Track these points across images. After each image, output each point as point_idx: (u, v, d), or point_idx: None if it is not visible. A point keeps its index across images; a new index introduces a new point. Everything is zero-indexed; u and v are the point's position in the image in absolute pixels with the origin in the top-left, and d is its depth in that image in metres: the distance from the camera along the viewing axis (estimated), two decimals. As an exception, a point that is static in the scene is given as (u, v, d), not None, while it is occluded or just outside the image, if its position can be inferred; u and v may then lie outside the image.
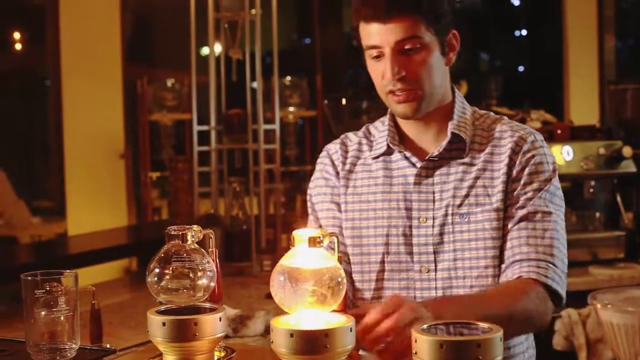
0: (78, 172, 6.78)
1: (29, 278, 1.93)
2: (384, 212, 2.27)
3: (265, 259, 4.49)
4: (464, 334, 1.49)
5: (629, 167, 4.25)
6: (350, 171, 2.36)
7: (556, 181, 2.26)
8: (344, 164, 2.37)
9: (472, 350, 1.40)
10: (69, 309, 1.93)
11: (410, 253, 2.23)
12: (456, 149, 2.26)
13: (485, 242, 2.19)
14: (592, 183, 4.36)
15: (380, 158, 2.34)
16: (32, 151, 8.30)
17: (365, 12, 2.17)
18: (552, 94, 7.97)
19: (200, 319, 1.66)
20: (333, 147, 2.43)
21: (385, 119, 2.36)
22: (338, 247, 1.73)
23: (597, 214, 4.42)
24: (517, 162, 2.22)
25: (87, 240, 5.27)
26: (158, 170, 6.73)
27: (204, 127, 4.78)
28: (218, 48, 4.87)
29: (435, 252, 2.22)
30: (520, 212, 2.19)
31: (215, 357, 1.74)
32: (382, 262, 2.24)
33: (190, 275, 1.74)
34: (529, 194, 2.20)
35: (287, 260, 1.62)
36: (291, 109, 6.04)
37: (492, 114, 2.37)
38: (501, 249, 2.20)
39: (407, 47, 2.15)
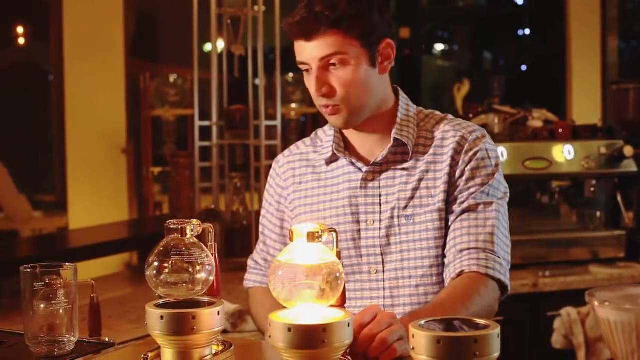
0: (80, 167, 6.78)
1: (28, 270, 1.94)
2: (332, 219, 2.31)
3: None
4: (461, 329, 1.49)
5: (630, 166, 4.25)
6: (300, 182, 2.41)
7: (499, 175, 2.28)
8: (293, 176, 2.42)
9: (469, 345, 1.41)
10: (68, 301, 1.94)
11: (360, 256, 2.28)
12: (401, 153, 2.30)
13: (429, 242, 2.24)
14: (593, 182, 4.37)
15: (328, 164, 2.37)
16: (35, 145, 8.31)
17: (291, 30, 2.22)
18: (554, 94, 7.97)
19: (198, 312, 1.66)
20: (282, 160, 2.49)
21: (330, 128, 2.40)
22: (337, 242, 1.73)
23: (598, 213, 4.42)
24: (460, 161, 2.25)
25: (88, 234, 5.27)
26: (160, 165, 6.74)
27: (206, 123, 4.78)
28: (220, 44, 4.86)
29: (382, 254, 2.26)
30: (463, 205, 2.23)
31: (213, 351, 1.74)
32: None
33: (189, 269, 1.74)
34: (472, 189, 2.24)
35: (286, 256, 1.62)
36: (293, 105, 6.04)
37: (437, 113, 2.38)
38: (444, 246, 2.24)
39: (332, 62, 2.18)
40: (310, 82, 2.23)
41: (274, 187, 2.47)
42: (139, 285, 4.57)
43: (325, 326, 1.53)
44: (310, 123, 6.68)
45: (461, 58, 10.48)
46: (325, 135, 2.42)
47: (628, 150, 4.21)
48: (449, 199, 2.24)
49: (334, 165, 2.37)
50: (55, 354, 1.93)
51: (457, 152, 2.25)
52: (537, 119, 4.52)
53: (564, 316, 3.87)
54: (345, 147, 2.36)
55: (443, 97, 9.64)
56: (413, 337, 1.44)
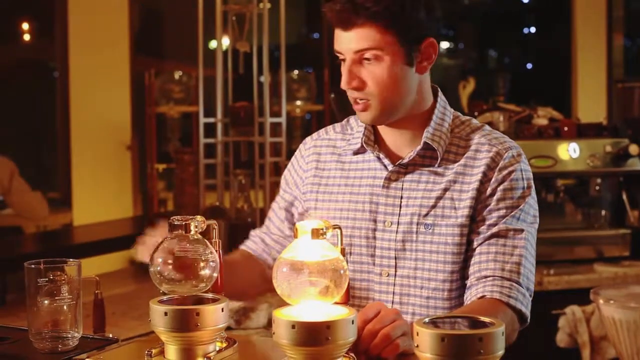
0: (84, 163, 6.79)
1: (33, 266, 1.93)
2: (349, 212, 2.24)
3: (270, 252, 4.48)
4: (465, 328, 1.49)
5: (635, 165, 4.24)
6: (323, 168, 2.33)
7: (531, 199, 2.18)
8: (317, 161, 2.35)
9: (473, 343, 1.40)
10: (72, 297, 1.93)
11: (372, 255, 2.20)
12: (429, 157, 2.20)
13: (446, 256, 2.15)
14: (598, 181, 4.36)
15: (355, 155, 2.30)
16: (39, 142, 8.32)
17: (330, 17, 2.13)
18: (559, 92, 7.96)
19: (202, 309, 1.66)
20: (309, 142, 2.41)
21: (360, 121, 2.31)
22: (342, 239, 1.73)
23: (603, 212, 4.41)
24: (493, 179, 2.14)
25: (92, 231, 5.28)
26: (164, 162, 6.74)
27: (211, 120, 4.78)
28: (226, 41, 4.87)
29: (396, 258, 2.19)
30: (492, 229, 2.14)
31: (217, 348, 1.73)
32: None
33: (193, 265, 1.74)
34: (502, 212, 2.14)
35: (290, 253, 1.62)
36: (298, 102, 6.04)
37: (474, 121, 2.28)
38: (462, 264, 2.16)
39: (366, 56, 2.11)
40: (342, 72, 2.15)
41: (296, 169, 2.40)
42: (143, 282, 4.58)
43: (329, 323, 1.53)
44: (315, 120, 6.68)
45: (466, 56, 10.48)
46: (357, 125, 2.32)
47: (633, 149, 4.20)
48: (475, 217, 2.16)
49: (359, 157, 2.28)
50: (59, 349, 1.92)
51: (490, 168, 2.15)
52: (542, 117, 4.51)
53: (568, 315, 3.86)
54: (375, 141, 2.27)
55: (448, 96, 9.62)
56: (417, 334, 1.44)
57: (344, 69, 2.13)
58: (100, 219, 5.83)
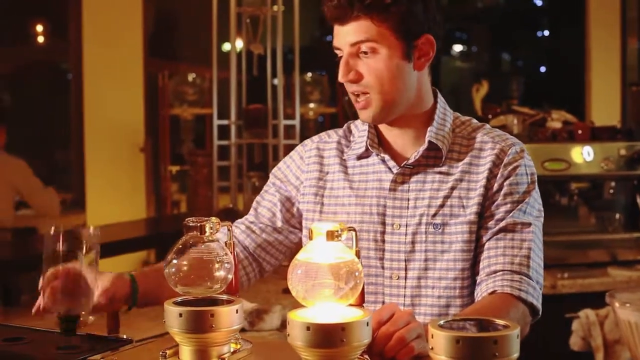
0: (98, 165, 6.81)
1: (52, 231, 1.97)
2: (356, 215, 2.24)
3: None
4: (480, 330, 1.49)
5: (649, 168, 4.24)
6: (327, 172, 2.33)
7: (535, 192, 2.21)
8: (320, 164, 2.34)
9: (488, 346, 1.40)
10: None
11: (381, 259, 2.20)
12: (433, 157, 2.22)
13: (456, 254, 2.16)
14: (612, 184, 4.35)
15: (358, 159, 2.30)
16: (53, 143, 8.33)
17: (328, 13, 2.15)
18: (573, 95, 7.95)
19: (217, 310, 1.66)
20: (309, 144, 2.41)
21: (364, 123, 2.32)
22: (357, 241, 1.73)
23: (617, 215, 4.40)
24: (499, 175, 2.16)
25: (105, 232, 5.27)
26: (177, 164, 6.76)
27: (224, 122, 4.79)
28: (239, 44, 4.88)
29: (406, 260, 2.19)
30: (500, 224, 2.15)
31: (231, 349, 1.74)
32: None
33: (208, 267, 1.74)
34: (509, 206, 2.16)
35: (305, 254, 1.62)
36: (311, 105, 6.05)
37: (474, 121, 2.30)
38: (472, 261, 2.17)
39: (362, 49, 2.12)
40: (340, 66, 2.17)
41: (292, 169, 2.39)
42: (157, 284, 4.57)
43: (344, 325, 1.53)
44: (328, 123, 6.68)
45: (479, 59, 10.47)
46: (358, 130, 2.33)
47: (647, 152, 4.20)
48: (484, 213, 2.17)
49: (364, 161, 2.29)
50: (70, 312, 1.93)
51: (495, 165, 2.17)
52: (556, 120, 4.51)
53: (582, 318, 3.86)
54: (379, 143, 2.28)
55: (461, 99, 9.63)
56: (432, 337, 1.44)
57: (341, 63, 2.14)
58: (113, 221, 5.84)
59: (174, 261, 1.73)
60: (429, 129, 2.21)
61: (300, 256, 1.61)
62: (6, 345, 1.99)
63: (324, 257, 1.59)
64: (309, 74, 6.09)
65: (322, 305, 1.58)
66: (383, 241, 2.21)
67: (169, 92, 6.61)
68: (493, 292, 2.09)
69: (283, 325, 3.24)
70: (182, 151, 6.59)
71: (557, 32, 9.71)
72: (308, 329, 1.52)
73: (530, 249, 2.14)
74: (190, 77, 6.64)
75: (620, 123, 4.56)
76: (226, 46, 5.74)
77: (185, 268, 1.73)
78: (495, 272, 2.12)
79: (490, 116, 4.54)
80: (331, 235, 1.60)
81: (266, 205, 2.39)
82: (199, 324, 1.65)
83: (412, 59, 2.15)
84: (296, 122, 4.87)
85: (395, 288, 2.20)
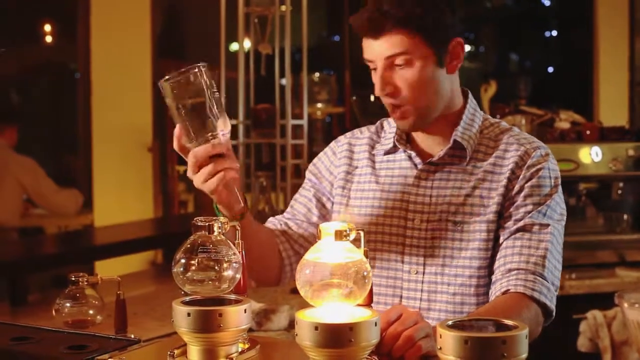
0: (106, 165, 6.81)
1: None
2: (380, 209, 2.28)
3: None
4: (489, 330, 1.49)
5: (658, 169, 4.23)
6: (356, 167, 2.38)
7: (558, 197, 2.22)
8: (350, 158, 2.39)
9: (497, 346, 1.40)
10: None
11: (401, 253, 2.23)
12: (459, 156, 2.25)
13: (473, 252, 2.18)
14: (621, 185, 4.34)
15: (386, 155, 2.35)
16: (61, 143, 8.34)
17: (359, 27, 2.19)
18: (581, 95, 7.93)
19: (225, 310, 1.66)
20: (342, 140, 2.45)
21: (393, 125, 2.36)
22: (365, 241, 1.72)
23: (625, 216, 4.39)
24: (521, 176, 2.18)
25: (113, 232, 5.29)
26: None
27: (232, 122, 4.78)
28: (247, 44, 4.87)
29: (424, 255, 2.21)
30: (518, 224, 2.16)
31: (239, 349, 1.73)
32: (373, 258, 2.24)
33: (216, 266, 1.74)
34: (529, 207, 2.16)
35: (313, 254, 1.62)
36: (319, 105, 6.04)
37: (503, 123, 2.33)
38: (490, 260, 2.18)
39: (397, 62, 2.16)
40: (375, 80, 2.21)
41: (326, 165, 2.44)
42: (164, 283, 4.58)
43: (352, 325, 1.53)
44: (335, 123, 6.68)
45: (487, 59, 10.45)
46: (389, 127, 2.38)
47: (656, 153, 4.19)
48: (503, 214, 2.18)
49: (390, 157, 2.34)
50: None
51: (518, 167, 2.19)
52: (564, 120, 4.50)
53: (590, 319, 3.85)
54: (407, 140, 2.32)
55: (469, 98, 9.61)
56: (441, 337, 1.44)
57: (377, 77, 2.18)
58: (121, 220, 5.85)
59: (182, 260, 1.73)
60: (456, 128, 2.24)
61: (308, 256, 1.61)
62: (14, 344, 1.99)
63: (332, 257, 1.60)
64: (317, 74, 6.09)
65: (330, 305, 1.58)
66: (404, 236, 2.24)
67: (176, 92, 6.60)
68: (506, 292, 2.10)
69: (291, 325, 3.24)
70: (190, 151, 6.59)
71: (565, 33, 9.69)
72: (316, 328, 1.52)
73: (547, 250, 2.14)
74: (198, 77, 6.64)
75: (628, 123, 4.55)
76: (233, 46, 5.73)
77: (193, 267, 1.73)
78: (510, 270, 2.12)
79: (498, 116, 4.53)
80: (339, 235, 1.60)
81: (302, 201, 2.43)
82: (207, 323, 1.65)
83: (444, 64, 2.20)
84: (304, 122, 4.87)
85: (413, 282, 2.23)
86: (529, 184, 2.18)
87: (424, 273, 2.22)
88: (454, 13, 2.20)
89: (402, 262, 2.23)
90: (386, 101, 2.21)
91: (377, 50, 2.17)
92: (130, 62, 6.88)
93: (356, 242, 1.66)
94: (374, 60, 2.19)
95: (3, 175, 5.96)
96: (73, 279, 2.27)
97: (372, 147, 2.38)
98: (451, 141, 2.23)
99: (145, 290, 4.39)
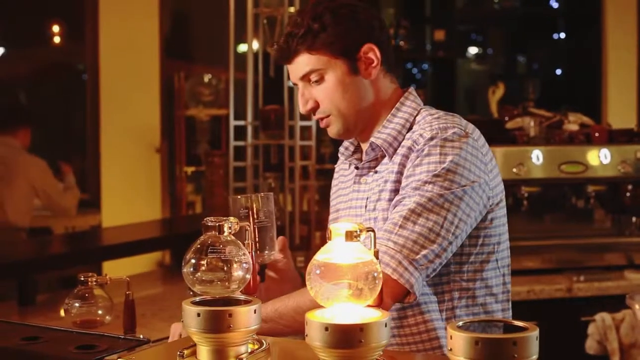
0: (114, 165, 6.82)
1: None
2: (339, 220, 2.33)
3: (298, 256, 4.48)
4: (500, 331, 1.48)
5: (667, 171, 4.22)
6: (337, 185, 2.52)
7: (446, 171, 2.12)
8: (336, 178, 2.55)
9: (508, 348, 1.40)
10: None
11: None
12: (381, 155, 2.30)
13: None
14: (629, 187, 4.33)
15: (349, 165, 2.46)
16: (69, 144, 8.35)
17: (275, 57, 2.36)
18: (589, 98, 7.92)
19: (235, 310, 1.65)
20: (335, 170, 2.61)
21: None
22: (375, 242, 1.72)
23: (634, 219, 4.38)
24: (410, 159, 2.19)
25: (120, 233, 5.29)
26: (193, 164, 6.76)
27: (241, 122, 4.79)
28: (255, 44, 4.88)
29: None
30: (392, 201, 2.18)
31: (249, 349, 1.73)
32: None
33: (226, 267, 1.74)
34: (411, 185, 2.14)
35: (324, 255, 1.61)
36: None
37: (440, 114, 2.27)
38: None
39: (312, 78, 2.25)
40: (298, 99, 2.33)
41: (332, 195, 2.58)
42: (172, 284, 4.59)
43: (363, 326, 1.52)
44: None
45: (495, 62, 10.44)
46: (342, 148, 2.49)
47: (665, 156, 4.18)
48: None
49: (351, 168, 2.43)
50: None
51: (410, 150, 2.20)
52: (573, 122, 4.49)
53: (598, 322, 3.84)
54: (355, 150, 2.43)
55: (477, 101, 9.62)
56: (451, 337, 1.43)
57: (298, 96, 2.30)
58: (128, 221, 5.85)
59: (192, 261, 1.73)
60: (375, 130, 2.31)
61: (319, 256, 1.61)
62: (23, 344, 1.99)
63: (342, 258, 1.59)
64: (325, 76, 6.08)
65: (340, 306, 1.58)
66: None
67: (184, 93, 6.61)
68: None
69: (299, 326, 3.24)
70: (198, 152, 6.60)
71: (574, 35, 9.67)
72: (326, 329, 1.52)
73: (401, 216, 2.10)
74: (206, 78, 6.65)
75: (637, 126, 4.53)
76: (241, 47, 5.74)
77: (203, 268, 1.73)
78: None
79: (507, 118, 4.53)
80: (350, 236, 1.60)
81: None
82: (217, 323, 1.65)
83: (359, 71, 2.25)
84: (312, 123, 4.87)
85: None
86: (407, 171, 2.17)
87: None
88: (358, 21, 2.24)
89: None
90: (312, 116, 2.32)
91: (292, 73, 2.29)
92: (139, 63, 6.88)
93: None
94: (294, 82, 2.31)
95: (16, 176, 5.99)
96: (82, 279, 2.28)
97: (344, 165, 2.51)
98: (369, 142, 2.29)
99: (153, 291, 4.39)
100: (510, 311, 2.34)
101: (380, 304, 1.68)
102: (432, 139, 2.15)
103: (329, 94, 2.25)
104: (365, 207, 2.28)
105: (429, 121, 2.22)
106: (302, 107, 2.30)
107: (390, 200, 2.20)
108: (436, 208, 2.09)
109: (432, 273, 2.11)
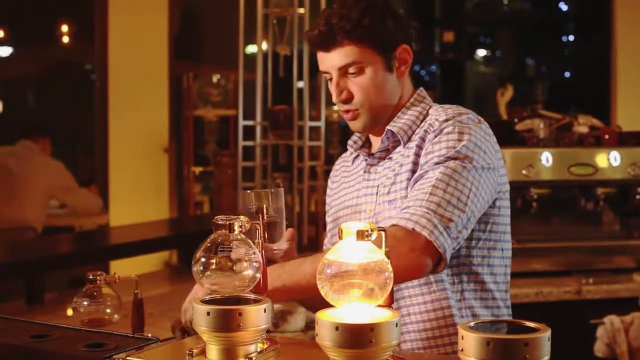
0: (122, 165, 6.82)
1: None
2: (344, 210, 2.46)
3: (306, 256, 4.48)
4: (511, 332, 1.48)
5: (676, 174, 4.20)
6: (339, 182, 2.57)
7: (464, 145, 2.20)
8: (336, 176, 2.61)
9: (519, 348, 1.39)
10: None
11: None
12: (393, 145, 2.38)
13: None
14: (639, 190, 4.31)
15: (352, 162, 2.54)
16: (78, 143, 8.36)
17: (311, 42, 2.36)
18: (597, 101, 7.91)
19: (244, 309, 1.65)
20: (333, 168, 2.67)
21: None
22: (386, 241, 1.71)
23: (643, 221, 4.37)
24: (427, 140, 2.28)
25: (128, 232, 5.29)
26: (201, 165, 6.77)
27: (250, 122, 4.79)
28: (264, 45, 4.88)
29: None
30: (414, 176, 2.24)
31: (258, 349, 1.73)
32: None
33: (236, 265, 1.73)
34: (429, 161, 2.22)
35: (335, 254, 1.61)
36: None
37: (452, 106, 2.38)
38: None
39: (350, 71, 2.31)
40: (331, 89, 2.37)
41: (328, 193, 2.65)
42: (179, 284, 4.58)
43: (373, 326, 1.52)
44: (351, 126, 6.67)
45: (503, 64, 10.43)
46: (351, 141, 2.54)
47: (675, 158, 4.16)
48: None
49: (356, 162, 2.52)
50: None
51: (426, 132, 2.30)
52: (582, 124, 4.48)
53: (607, 324, 3.83)
54: (364, 144, 2.49)
55: (486, 102, 9.60)
56: (462, 338, 1.43)
57: (333, 85, 2.36)
58: (136, 221, 5.84)
59: (203, 259, 1.73)
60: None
61: (330, 256, 1.60)
62: (33, 342, 1.99)
63: (353, 257, 1.59)
64: (334, 77, 6.08)
65: (350, 306, 1.58)
66: None
67: (193, 93, 6.61)
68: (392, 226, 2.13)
69: (307, 326, 3.23)
70: (206, 152, 6.60)
71: (583, 38, 9.66)
72: (337, 329, 1.51)
73: (432, 186, 2.15)
74: (215, 78, 6.65)
75: (647, 129, 4.52)
76: (250, 48, 5.73)
77: (213, 266, 1.73)
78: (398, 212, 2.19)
79: (516, 119, 4.52)
80: (361, 235, 1.59)
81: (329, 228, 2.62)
82: (227, 322, 1.65)
83: (393, 69, 2.35)
84: (321, 123, 4.88)
85: None
86: (426, 148, 2.26)
87: None
88: (397, 22, 2.35)
89: None
90: (341, 107, 2.38)
91: (330, 62, 2.33)
92: (147, 64, 6.89)
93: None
94: (329, 71, 2.34)
95: (32, 176, 6.09)
96: (91, 277, 2.28)
97: (347, 162, 2.59)
98: (385, 131, 2.36)
99: (160, 291, 4.39)
100: (509, 301, 2.43)
101: (390, 304, 1.67)
102: (447, 120, 2.27)
103: (365, 88, 2.32)
104: (377, 193, 2.35)
105: (443, 109, 2.34)
106: (336, 97, 2.35)
107: (409, 179, 2.27)
108: (462, 179, 2.17)
109: (456, 247, 2.17)
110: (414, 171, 2.26)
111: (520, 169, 4.05)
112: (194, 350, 1.73)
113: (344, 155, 2.64)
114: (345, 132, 6.53)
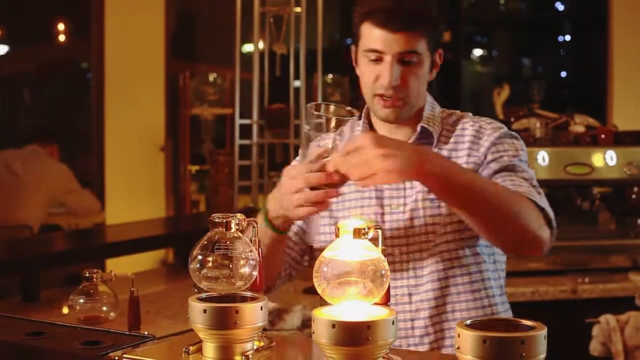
0: (118, 164, 6.82)
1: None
2: (357, 201, 2.37)
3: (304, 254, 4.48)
4: (507, 330, 1.48)
5: (673, 173, 4.21)
6: None
7: (523, 157, 2.32)
8: None
9: (515, 346, 1.40)
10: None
11: (384, 238, 2.26)
12: (426, 142, 2.35)
13: (453, 226, 2.28)
14: (635, 189, 4.33)
15: None
16: (73, 142, 8.35)
17: (378, 17, 2.24)
18: (593, 100, 7.91)
19: (241, 307, 1.65)
20: None
21: (360, 121, 2.46)
22: (383, 239, 1.72)
23: (639, 220, 4.38)
24: (481, 145, 2.30)
25: (124, 230, 5.29)
26: (197, 163, 6.77)
27: (246, 121, 4.79)
28: (260, 44, 4.88)
29: (406, 236, 2.30)
30: (496, 165, 2.26)
31: (255, 346, 1.73)
32: None
33: (232, 263, 1.73)
34: (504, 158, 2.27)
35: (331, 252, 1.61)
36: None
37: (458, 112, 2.44)
38: (470, 231, 2.26)
39: (406, 59, 2.25)
40: (374, 70, 2.28)
41: None
42: (175, 282, 4.58)
43: (370, 323, 1.52)
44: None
45: (499, 64, 10.44)
46: (352, 133, 2.38)
47: (671, 158, 4.17)
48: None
49: None
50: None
51: (476, 138, 2.31)
52: (579, 124, 4.49)
53: (602, 323, 3.83)
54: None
55: (482, 102, 9.60)
56: (459, 336, 1.43)
57: (386, 68, 2.25)
58: (132, 220, 5.84)
59: (199, 257, 1.73)
60: (421, 120, 2.36)
61: (326, 253, 1.60)
62: (29, 339, 1.99)
63: (350, 255, 1.59)
64: (330, 75, 6.08)
65: (347, 303, 1.58)
66: (383, 222, 2.33)
67: (189, 91, 6.61)
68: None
69: (303, 325, 3.24)
70: (202, 151, 6.61)
71: (579, 37, 9.66)
72: (333, 326, 1.51)
73: (532, 185, 2.23)
74: (211, 77, 6.65)
75: (643, 128, 4.53)
76: (246, 47, 5.74)
77: (210, 264, 1.72)
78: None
79: (512, 119, 4.52)
80: (358, 233, 1.59)
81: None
82: (223, 320, 1.64)
83: (432, 69, 2.36)
84: (318, 122, 4.88)
85: (398, 264, 2.31)
86: (493, 145, 2.29)
87: (407, 253, 2.30)
88: (443, 26, 2.36)
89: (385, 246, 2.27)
90: (383, 91, 2.28)
91: (391, 43, 2.23)
92: (144, 62, 6.88)
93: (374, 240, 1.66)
94: (385, 53, 2.25)
95: (36, 178, 6.14)
96: (87, 275, 2.28)
97: None
98: (419, 128, 2.35)
99: (156, 289, 4.39)
100: (507, 303, 2.47)
101: (387, 302, 1.67)
102: (498, 128, 2.33)
103: (417, 79, 2.29)
104: (406, 188, 2.34)
105: (477, 118, 2.39)
106: (391, 81, 2.25)
107: None
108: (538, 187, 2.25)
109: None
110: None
111: (516, 168, 4.05)
112: (191, 348, 1.73)
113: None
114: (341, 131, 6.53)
